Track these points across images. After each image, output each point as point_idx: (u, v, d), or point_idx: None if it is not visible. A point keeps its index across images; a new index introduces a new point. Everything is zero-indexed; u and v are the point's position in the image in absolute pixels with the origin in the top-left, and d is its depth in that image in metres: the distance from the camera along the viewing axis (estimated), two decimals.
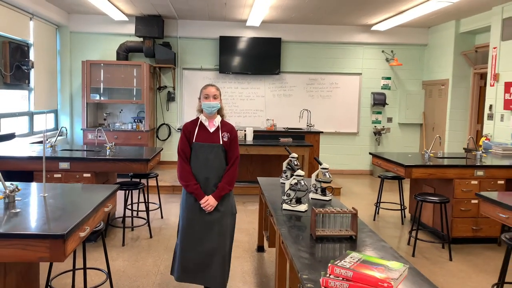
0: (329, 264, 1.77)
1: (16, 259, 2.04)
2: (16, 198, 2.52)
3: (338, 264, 1.77)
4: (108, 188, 2.95)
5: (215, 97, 3.03)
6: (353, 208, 2.53)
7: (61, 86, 8.11)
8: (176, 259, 3.08)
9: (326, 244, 2.34)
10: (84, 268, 3.06)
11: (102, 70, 7.73)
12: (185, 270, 3.01)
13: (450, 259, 4.22)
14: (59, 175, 4.28)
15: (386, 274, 1.72)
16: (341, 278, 1.72)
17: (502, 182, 4.56)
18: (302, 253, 2.18)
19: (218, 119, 3.11)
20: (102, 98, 7.86)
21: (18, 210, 2.36)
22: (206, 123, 3.08)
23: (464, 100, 7.67)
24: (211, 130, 3.07)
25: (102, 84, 7.77)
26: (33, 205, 2.50)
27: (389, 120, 8.73)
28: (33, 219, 2.27)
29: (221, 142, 3.05)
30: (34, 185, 3.03)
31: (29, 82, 6.74)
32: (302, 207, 3.00)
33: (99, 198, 2.68)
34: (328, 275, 1.75)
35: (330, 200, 3.29)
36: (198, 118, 3.11)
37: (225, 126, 3.12)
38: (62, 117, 8.15)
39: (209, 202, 2.98)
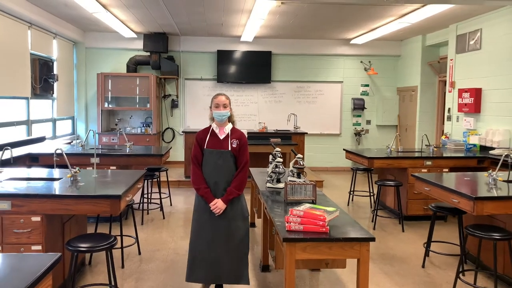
0: (290, 208, 2.85)
1: (90, 212, 3.13)
2: (78, 177, 3.59)
3: (295, 208, 2.85)
4: (138, 173, 4.03)
5: (225, 106, 3.21)
6: (312, 181, 3.61)
7: (78, 96, 9.20)
8: (189, 261, 3.27)
9: (294, 205, 3.42)
10: (121, 235, 4.11)
11: (114, 81, 8.82)
12: (195, 269, 3.20)
13: (403, 231, 5.32)
14: (91, 168, 5.33)
15: (324, 212, 2.80)
16: (296, 216, 2.80)
17: (447, 170, 5.66)
18: (276, 210, 3.24)
19: (228, 126, 3.29)
20: (114, 106, 8.95)
21: (82, 184, 3.44)
22: (216, 131, 3.26)
23: (431, 104, 8.79)
24: (221, 137, 3.25)
25: (114, 93, 8.85)
26: (90, 181, 3.58)
27: (368, 122, 9.85)
28: (95, 188, 3.35)
29: (229, 149, 3.23)
30: (84, 171, 4.10)
31: (53, 93, 7.83)
32: (281, 185, 4.07)
33: (134, 178, 3.76)
34: (289, 215, 2.83)
35: (304, 181, 4.37)
36: (210, 126, 3.31)
37: (235, 133, 3.29)
38: (79, 123, 9.23)
39: (217, 205, 3.16)
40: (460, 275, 3.81)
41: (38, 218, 3.07)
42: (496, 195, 3.44)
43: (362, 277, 2.69)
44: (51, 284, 1.85)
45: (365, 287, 2.69)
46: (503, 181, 3.89)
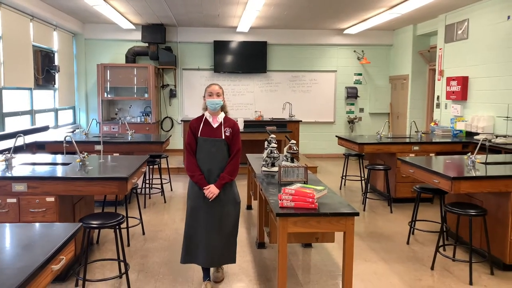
0: (282, 188, 3.14)
1: (99, 193, 3.41)
2: (86, 162, 3.86)
3: (287, 187, 3.14)
4: (142, 158, 4.31)
5: (218, 94, 3.31)
6: (305, 164, 3.90)
7: (78, 86, 9.42)
8: (184, 244, 3.39)
9: (287, 186, 3.71)
10: (126, 216, 4.39)
11: (113, 72, 9.04)
12: (189, 252, 3.34)
13: (391, 212, 5.64)
14: (95, 155, 5.60)
15: (313, 191, 3.09)
16: (288, 194, 3.10)
17: (433, 154, 5.96)
18: (271, 190, 3.53)
19: (221, 115, 3.38)
20: (113, 96, 9.18)
21: (91, 167, 3.71)
22: (210, 119, 3.35)
23: (422, 92, 9.07)
24: (215, 125, 3.34)
25: (114, 83, 9.09)
26: (98, 165, 3.86)
27: (361, 110, 10.14)
28: (103, 171, 3.63)
29: (223, 137, 3.33)
30: (90, 156, 4.36)
31: (55, 83, 8.05)
32: (275, 169, 4.35)
33: (138, 162, 4.04)
34: (281, 193, 3.12)
35: (297, 165, 4.65)
36: (203, 115, 3.40)
37: (228, 121, 3.38)
38: (80, 112, 9.46)
39: (211, 189, 3.26)
40: (441, 249, 4.13)
41: (52, 199, 3.35)
42: (472, 175, 3.74)
43: (348, 248, 2.99)
44: (73, 250, 2.14)
45: (351, 256, 2.98)
46: (481, 163, 4.20)
